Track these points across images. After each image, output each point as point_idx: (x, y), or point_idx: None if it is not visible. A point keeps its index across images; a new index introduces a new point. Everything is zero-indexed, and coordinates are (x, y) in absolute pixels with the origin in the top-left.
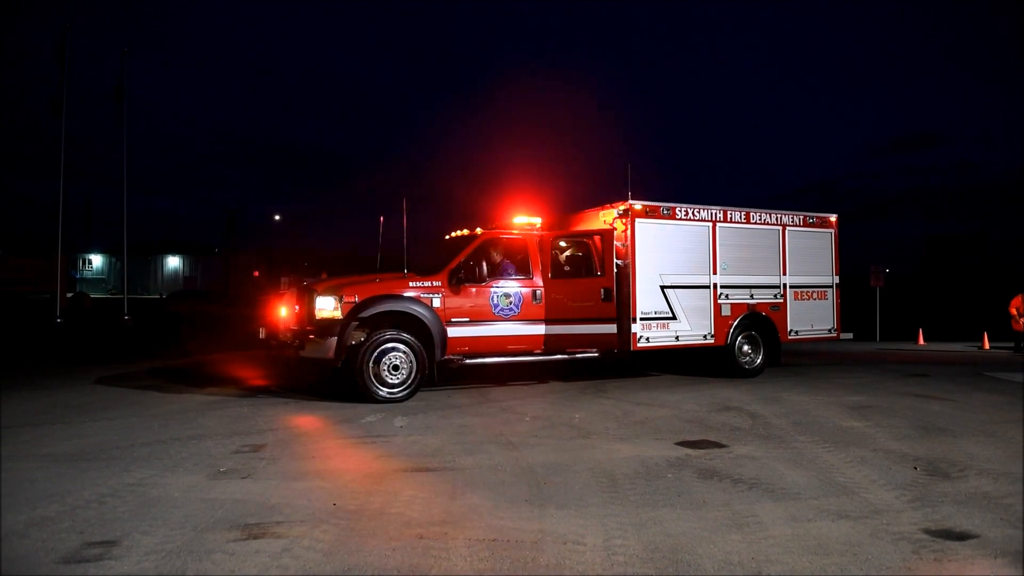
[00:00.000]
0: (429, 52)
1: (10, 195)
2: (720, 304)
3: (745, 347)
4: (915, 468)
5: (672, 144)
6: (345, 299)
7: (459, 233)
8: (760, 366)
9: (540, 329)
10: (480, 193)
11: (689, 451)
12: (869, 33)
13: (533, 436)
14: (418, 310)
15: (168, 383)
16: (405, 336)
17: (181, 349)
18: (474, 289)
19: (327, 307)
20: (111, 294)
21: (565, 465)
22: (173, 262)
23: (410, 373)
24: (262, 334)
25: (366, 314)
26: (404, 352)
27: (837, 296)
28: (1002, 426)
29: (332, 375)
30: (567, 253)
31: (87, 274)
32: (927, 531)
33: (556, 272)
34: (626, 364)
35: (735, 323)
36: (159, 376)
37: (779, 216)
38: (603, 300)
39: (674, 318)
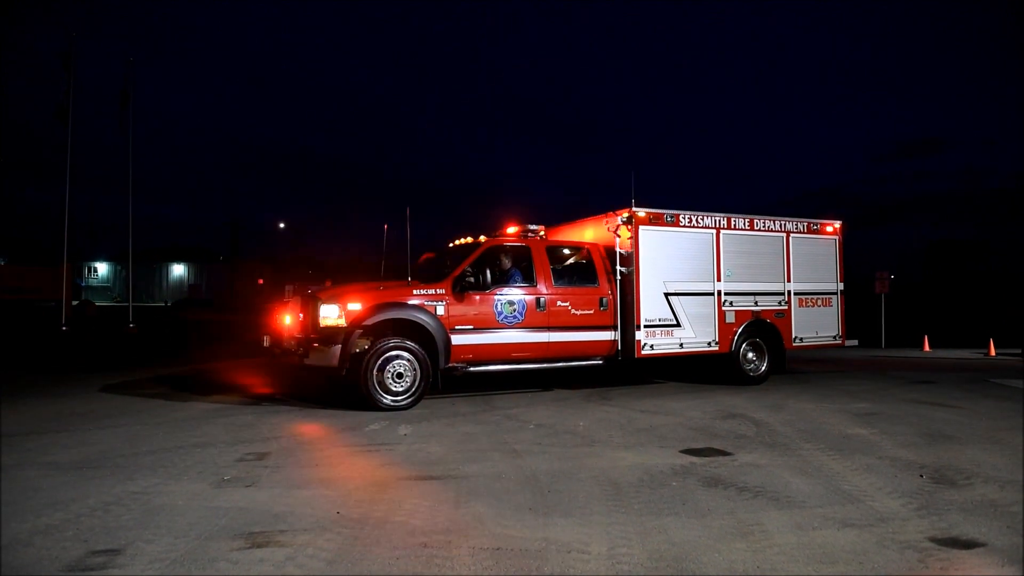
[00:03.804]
0: (433, 60)
1: (16, 202)
2: (724, 311)
3: (750, 354)
4: (921, 476)
5: (676, 151)
6: (349, 307)
7: (463, 241)
8: (765, 373)
9: (544, 337)
10: (484, 201)
11: (694, 459)
12: (874, 40)
13: (537, 444)
14: (422, 318)
15: (172, 391)
16: (409, 344)
17: (186, 357)
18: (478, 297)
19: (331, 315)
20: (116, 301)
21: (569, 473)
22: (178, 270)
23: (414, 381)
24: (266, 342)
25: (370, 322)
26: (408, 360)
27: (842, 303)
28: (1009, 433)
29: (336, 383)
30: (571, 261)
31: (92, 282)
32: (933, 539)
33: (560, 280)
34: (630, 371)
35: (739, 330)
36: (164, 384)
37: (783, 223)
38: (606, 308)
39: (678, 325)
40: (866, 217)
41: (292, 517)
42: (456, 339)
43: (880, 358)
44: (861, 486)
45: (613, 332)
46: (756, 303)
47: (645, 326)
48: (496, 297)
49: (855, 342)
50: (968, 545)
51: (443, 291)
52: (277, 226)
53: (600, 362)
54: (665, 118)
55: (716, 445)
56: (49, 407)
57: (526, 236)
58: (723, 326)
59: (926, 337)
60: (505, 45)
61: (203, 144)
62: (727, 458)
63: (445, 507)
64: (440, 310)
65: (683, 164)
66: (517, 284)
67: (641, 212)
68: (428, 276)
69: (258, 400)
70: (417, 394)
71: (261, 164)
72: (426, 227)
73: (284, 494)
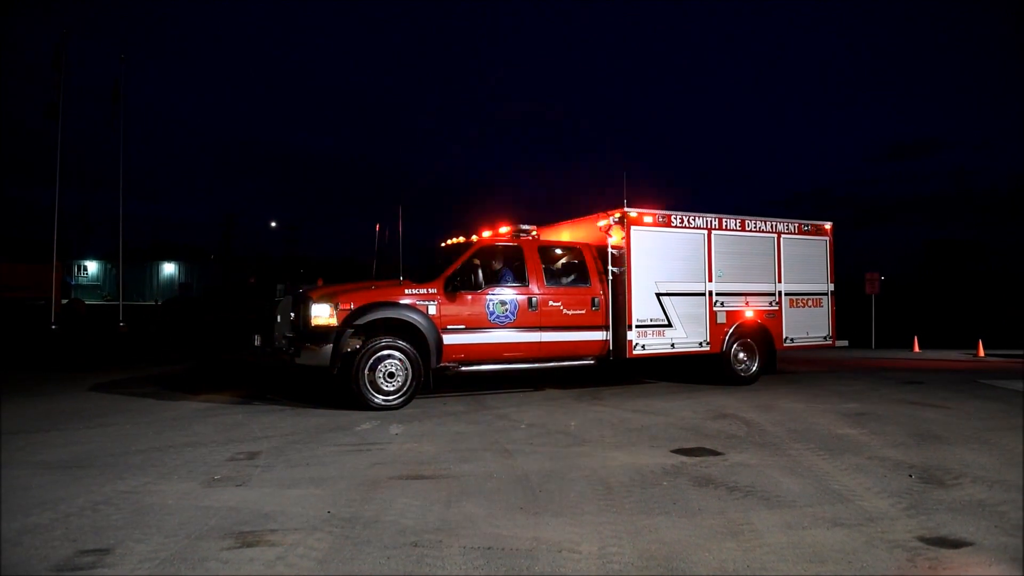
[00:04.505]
0: (426, 59)
1: (5, 200)
2: (715, 312)
3: (740, 354)
4: (910, 476)
5: (668, 151)
6: (340, 306)
7: (455, 240)
8: (755, 373)
9: (536, 336)
10: (476, 201)
11: (684, 459)
12: (867, 41)
13: (528, 444)
14: (414, 317)
15: (163, 390)
16: (401, 343)
17: (176, 356)
18: (470, 296)
19: (322, 314)
20: (106, 300)
21: (560, 473)
22: (169, 268)
23: (405, 380)
24: (257, 341)
25: (361, 321)
26: (400, 359)
27: (832, 303)
28: (997, 433)
29: (327, 382)
30: (562, 261)
31: (83, 280)
32: (922, 539)
33: (551, 280)
34: (622, 371)
35: (730, 330)
36: (154, 383)
37: (774, 224)
38: (598, 308)
39: (670, 325)
40: (863, 217)
41: (283, 516)
42: (448, 339)
43: (870, 359)
44: (851, 486)
45: (605, 332)
46: (747, 303)
47: (637, 326)
48: (488, 297)
49: (845, 343)
50: (956, 544)
51: (435, 291)
52: (269, 225)
53: (592, 362)
54: (658, 118)
55: (707, 445)
56: (38, 406)
57: (518, 236)
58: (714, 326)
59: (916, 338)
60: (505, 45)
61: (199, 143)
62: (718, 458)
63: (436, 506)
64: (432, 310)
65: (680, 163)
66: (509, 284)
67: (633, 212)
68: (420, 275)
69: (249, 399)
70: (408, 393)
71: (257, 163)
72: (421, 227)
73: (275, 493)
